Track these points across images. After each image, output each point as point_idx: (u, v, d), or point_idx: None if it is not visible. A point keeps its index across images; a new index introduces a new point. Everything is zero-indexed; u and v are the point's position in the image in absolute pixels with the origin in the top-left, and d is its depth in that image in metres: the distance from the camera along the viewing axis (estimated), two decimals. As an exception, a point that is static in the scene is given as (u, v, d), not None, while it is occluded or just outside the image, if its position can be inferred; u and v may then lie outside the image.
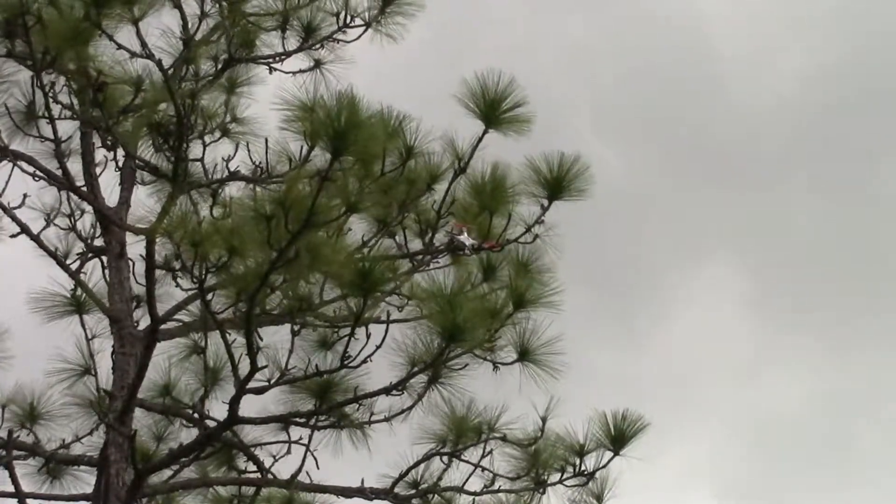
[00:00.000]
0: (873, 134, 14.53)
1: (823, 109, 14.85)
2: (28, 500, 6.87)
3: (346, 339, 6.10)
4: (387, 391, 6.32)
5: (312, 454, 6.73)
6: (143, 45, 6.48)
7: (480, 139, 6.69)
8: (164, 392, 7.35)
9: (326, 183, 5.64)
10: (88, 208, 7.36)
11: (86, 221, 7.44)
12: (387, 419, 6.58)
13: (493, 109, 6.51)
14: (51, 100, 6.91)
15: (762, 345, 14.95)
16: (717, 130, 14.57)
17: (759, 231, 14.88)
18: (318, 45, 7.71)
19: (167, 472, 6.92)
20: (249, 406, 6.50)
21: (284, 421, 6.77)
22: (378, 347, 6.10)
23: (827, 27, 15.15)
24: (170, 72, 6.77)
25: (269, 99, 7.13)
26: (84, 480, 7.37)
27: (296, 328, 6.31)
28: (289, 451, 7.10)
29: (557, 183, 6.79)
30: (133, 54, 6.71)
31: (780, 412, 14.34)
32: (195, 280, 6.06)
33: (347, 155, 5.60)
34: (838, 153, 14.69)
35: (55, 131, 7.02)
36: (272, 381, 6.34)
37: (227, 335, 6.23)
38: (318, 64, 7.81)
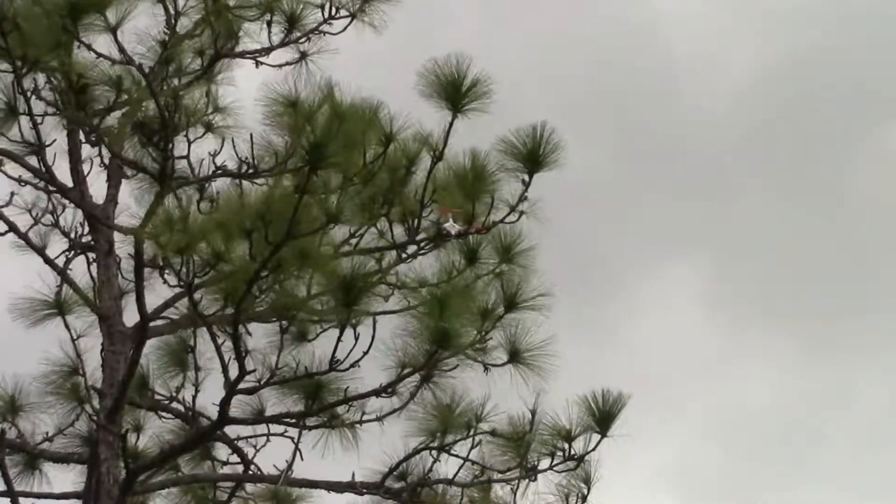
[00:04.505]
0: (832, 130, 14.48)
1: (780, 106, 14.78)
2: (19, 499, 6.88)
3: (334, 338, 6.11)
4: (377, 393, 6.34)
5: (299, 450, 6.76)
6: (122, 51, 6.44)
7: (451, 124, 6.63)
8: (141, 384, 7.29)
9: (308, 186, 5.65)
10: (71, 205, 7.30)
11: (68, 217, 7.37)
12: (378, 419, 6.59)
13: (456, 92, 6.46)
14: (33, 98, 6.86)
15: (729, 344, 14.89)
16: (675, 129, 14.44)
17: (723, 230, 14.83)
18: (303, 39, 7.63)
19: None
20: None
21: (276, 421, 6.78)
22: (365, 354, 6.10)
23: (782, 23, 15.04)
24: (154, 69, 6.73)
25: (253, 89, 7.10)
26: (64, 472, 7.33)
27: (284, 325, 6.32)
28: (268, 440, 7.09)
29: (534, 155, 6.73)
30: (113, 62, 6.67)
31: (748, 411, 14.33)
32: (182, 283, 6.06)
33: (325, 168, 5.60)
34: (797, 150, 14.64)
35: (38, 134, 6.98)
36: (262, 382, 6.35)
37: (216, 335, 6.24)
38: (303, 56, 7.73)
